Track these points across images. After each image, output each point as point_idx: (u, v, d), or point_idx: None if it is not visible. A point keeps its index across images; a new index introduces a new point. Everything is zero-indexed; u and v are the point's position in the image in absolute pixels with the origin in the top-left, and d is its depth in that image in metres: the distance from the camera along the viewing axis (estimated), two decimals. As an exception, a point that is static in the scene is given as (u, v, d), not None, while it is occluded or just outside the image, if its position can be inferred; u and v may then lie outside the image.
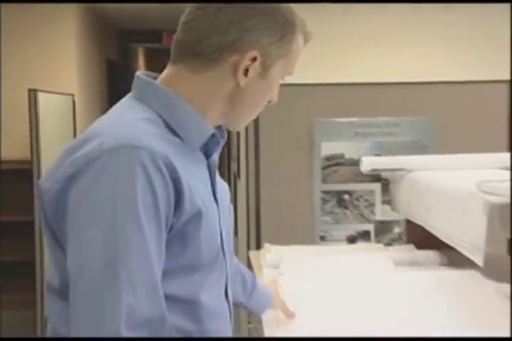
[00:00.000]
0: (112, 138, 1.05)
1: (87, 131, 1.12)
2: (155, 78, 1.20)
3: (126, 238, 1.02)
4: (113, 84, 6.83)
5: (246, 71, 1.15)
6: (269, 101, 1.23)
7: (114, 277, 1.01)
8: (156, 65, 7.11)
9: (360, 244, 2.46)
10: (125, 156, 1.03)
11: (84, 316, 1.01)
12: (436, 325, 1.58)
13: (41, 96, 4.08)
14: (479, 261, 1.78)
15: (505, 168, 2.10)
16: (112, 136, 1.06)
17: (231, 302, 1.25)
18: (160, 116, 1.14)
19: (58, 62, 5.13)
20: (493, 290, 1.70)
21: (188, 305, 1.12)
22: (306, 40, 1.22)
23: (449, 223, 1.88)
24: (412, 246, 2.23)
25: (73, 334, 1.03)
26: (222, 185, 1.28)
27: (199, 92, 1.16)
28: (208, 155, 1.21)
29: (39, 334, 4.10)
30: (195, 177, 1.12)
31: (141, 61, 9.56)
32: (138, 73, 1.20)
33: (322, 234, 2.83)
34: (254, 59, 1.15)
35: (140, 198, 1.02)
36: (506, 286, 1.72)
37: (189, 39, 1.15)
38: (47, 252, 4.21)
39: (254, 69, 1.16)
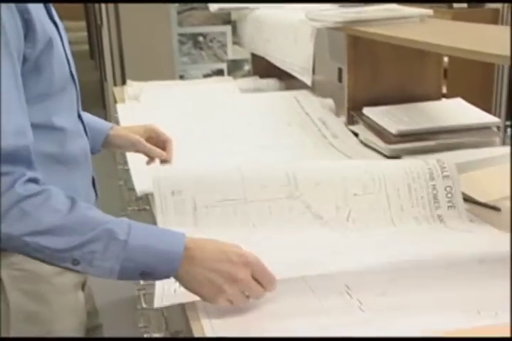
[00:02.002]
0: None
1: None
2: None
3: None
4: None
5: None
6: None
7: None
8: None
9: (214, 78, 2.55)
10: None
11: None
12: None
13: None
14: (308, 81, 1.93)
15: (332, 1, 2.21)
16: None
17: (85, 123, 1.23)
18: None
19: None
20: (318, 102, 1.87)
21: (47, 130, 1.09)
22: None
23: (284, 51, 1.99)
24: (256, 77, 2.35)
25: None
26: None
27: None
28: None
29: None
30: (31, 3, 1.03)
31: None
32: None
33: (181, 73, 2.90)
34: None
35: None
36: (329, 100, 1.89)
37: None
38: None
39: None
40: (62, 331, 1.11)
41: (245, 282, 0.87)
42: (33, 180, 0.95)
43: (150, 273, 0.89)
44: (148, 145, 1.39)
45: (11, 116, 0.95)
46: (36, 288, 1.10)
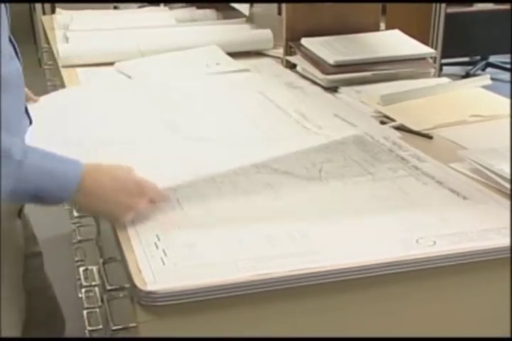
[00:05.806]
0: None
1: None
2: None
3: None
4: None
5: None
6: None
7: None
8: None
9: (148, 7, 2.47)
10: None
11: None
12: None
13: None
14: (246, 11, 1.91)
15: None
16: None
17: None
18: None
19: None
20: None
21: None
22: None
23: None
24: (193, 8, 2.30)
25: None
26: None
27: None
28: None
29: None
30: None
31: None
32: None
33: (115, 4, 2.79)
34: None
35: None
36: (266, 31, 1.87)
37: None
38: None
39: None
40: None
41: (143, 210, 0.89)
42: None
43: (42, 197, 0.86)
44: None
45: None
46: None
